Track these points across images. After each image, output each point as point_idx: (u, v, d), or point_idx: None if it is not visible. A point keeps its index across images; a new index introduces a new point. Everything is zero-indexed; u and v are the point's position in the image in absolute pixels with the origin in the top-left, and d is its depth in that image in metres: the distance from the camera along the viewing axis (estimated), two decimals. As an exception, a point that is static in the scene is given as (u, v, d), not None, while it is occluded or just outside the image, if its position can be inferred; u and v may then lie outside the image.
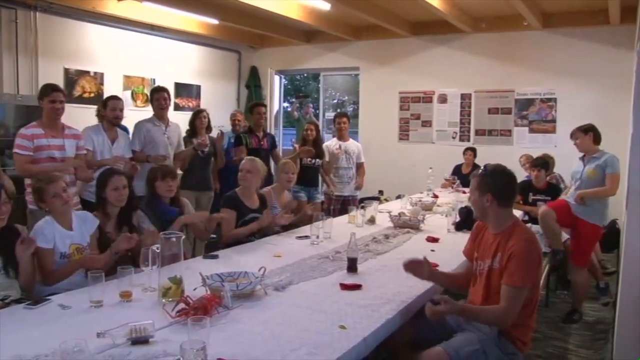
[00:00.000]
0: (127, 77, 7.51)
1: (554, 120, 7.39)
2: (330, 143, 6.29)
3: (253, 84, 9.55)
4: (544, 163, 5.25)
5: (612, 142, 6.76)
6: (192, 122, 5.65)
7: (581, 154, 4.58)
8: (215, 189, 5.84)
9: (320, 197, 6.13)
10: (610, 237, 6.05)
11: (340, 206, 5.86)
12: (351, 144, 6.29)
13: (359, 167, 6.33)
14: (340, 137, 6.26)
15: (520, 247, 2.38)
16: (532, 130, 7.53)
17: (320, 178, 6.20)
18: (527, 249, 2.39)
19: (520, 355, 2.50)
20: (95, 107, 5.22)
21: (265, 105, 6.20)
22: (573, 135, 4.56)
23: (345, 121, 6.27)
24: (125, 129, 5.09)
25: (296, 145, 5.98)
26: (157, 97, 5.10)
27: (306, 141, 5.97)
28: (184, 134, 5.66)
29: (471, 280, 2.66)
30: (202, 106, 8.44)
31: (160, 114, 5.09)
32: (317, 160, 5.95)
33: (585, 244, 4.41)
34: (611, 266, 5.56)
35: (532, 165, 5.46)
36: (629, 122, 5.15)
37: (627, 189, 3.37)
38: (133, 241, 2.93)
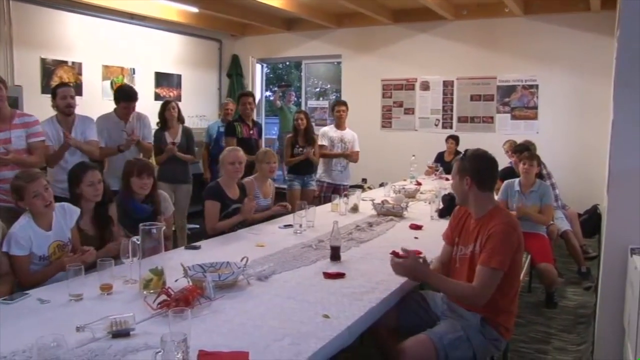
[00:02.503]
0: (106, 67, 7.39)
1: (535, 107, 7.42)
2: (329, 130, 6.27)
3: (234, 72, 9.46)
4: (525, 149, 5.23)
5: (592, 127, 6.88)
6: (162, 114, 5.48)
7: (518, 184, 4.59)
8: (205, 179, 5.83)
9: (314, 185, 6.11)
10: (592, 222, 6.14)
11: (332, 194, 5.81)
12: (347, 132, 6.21)
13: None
14: (339, 125, 6.22)
15: (499, 229, 2.38)
16: (514, 117, 7.56)
17: (313, 166, 6.13)
18: (506, 231, 2.38)
19: (504, 341, 2.51)
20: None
21: (252, 95, 6.10)
22: (526, 158, 4.58)
23: (344, 109, 6.20)
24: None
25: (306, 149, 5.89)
26: (125, 105, 4.77)
27: (297, 130, 5.94)
28: (154, 126, 5.46)
29: (450, 265, 2.65)
30: (183, 96, 8.40)
31: (122, 117, 4.80)
32: (309, 148, 5.91)
33: (540, 250, 4.37)
34: (592, 251, 5.62)
35: (514, 151, 5.47)
36: (608, 107, 5.19)
37: (608, 174, 3.40)
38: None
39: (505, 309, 2.45)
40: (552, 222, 4.83)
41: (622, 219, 3.08)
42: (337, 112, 6.23)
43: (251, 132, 5.75)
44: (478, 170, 2.52)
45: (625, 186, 3.06)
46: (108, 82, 7.35)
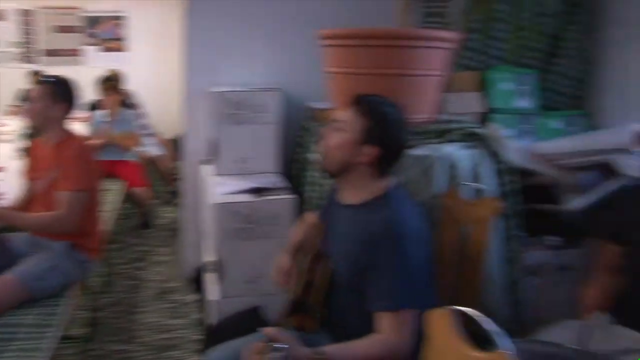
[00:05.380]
0: None
1: (125, 39, 7.48)
2: None
3: None
4: (107, 80, 5.25)
5: (176, 58, 7.29)
6: None
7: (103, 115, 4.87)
8: None
9: None
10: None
11: None
12: None
13: None
14: None
15: (74, 153, 2.52)
16: (103, 49, 7.49)
17: None
18: (81, 155, 2.55)
19: (93, 261, 2.68)
20: None
21: None
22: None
23: None
24: None
25: None
26: None
27: None
28: None
29: (31, 205, 2.65)
30: None
31: None
32: None
33: (132, 175, 4.72)
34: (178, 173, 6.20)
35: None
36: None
37: (185, 101, 3.72)
38: None
39: (89, 231, 2.62)
40: (143, 150, 5.12)
41: (194, 137, 3.53)
42: None
43: None
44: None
45: (195, 106, 3.50)
46: None
